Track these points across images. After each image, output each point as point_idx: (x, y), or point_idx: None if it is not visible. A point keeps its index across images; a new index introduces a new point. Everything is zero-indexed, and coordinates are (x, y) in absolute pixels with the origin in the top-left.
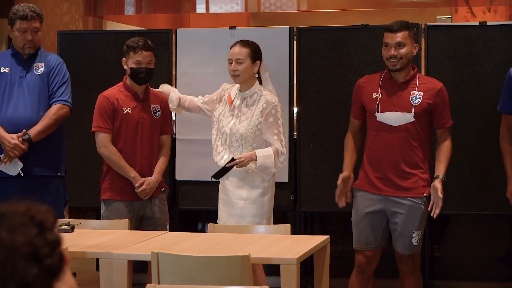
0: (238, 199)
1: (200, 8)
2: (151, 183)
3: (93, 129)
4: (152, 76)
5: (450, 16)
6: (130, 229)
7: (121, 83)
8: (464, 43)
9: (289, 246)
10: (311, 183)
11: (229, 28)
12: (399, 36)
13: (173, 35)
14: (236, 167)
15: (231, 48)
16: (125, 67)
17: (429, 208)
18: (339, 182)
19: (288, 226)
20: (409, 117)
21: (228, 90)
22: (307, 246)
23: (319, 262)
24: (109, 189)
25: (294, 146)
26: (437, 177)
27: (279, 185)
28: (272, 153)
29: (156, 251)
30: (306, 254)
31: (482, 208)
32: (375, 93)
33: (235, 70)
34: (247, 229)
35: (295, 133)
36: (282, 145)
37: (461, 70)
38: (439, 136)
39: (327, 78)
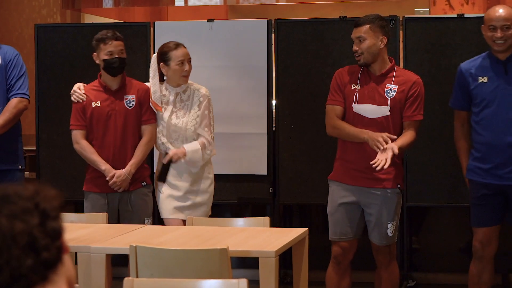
0: (188, 191)
1: (179, 1)
2: (122, 176)
3: (70, 127)
4: (125, 65)
5: (428, 9)
6: (109, 222)
7: (97, 80)
8: (442, 35)
9: (268, 239)
10: (290, 176)
11: (207, 21)
12: (359, 31)
13: (151, 28)
14: (172, 162)
15: (178, 49)
16: (97, 61)
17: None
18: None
19: (266, 219)
20: (384, 110)
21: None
22: (286, 239)
23: (298, 254)
24: (87, 181)
25: (273, 139)
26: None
27: (258, 178)
28: (199, 147)
29: (134, 245)
30: (285, 247)
31: (460, 200)
32: (354, 85)
33: (188, 71)
34: (226, 222)
35: (274, 126)
36: (211, 136)
37: (439, 62)
38: (404, 129)
39: (305, 70)
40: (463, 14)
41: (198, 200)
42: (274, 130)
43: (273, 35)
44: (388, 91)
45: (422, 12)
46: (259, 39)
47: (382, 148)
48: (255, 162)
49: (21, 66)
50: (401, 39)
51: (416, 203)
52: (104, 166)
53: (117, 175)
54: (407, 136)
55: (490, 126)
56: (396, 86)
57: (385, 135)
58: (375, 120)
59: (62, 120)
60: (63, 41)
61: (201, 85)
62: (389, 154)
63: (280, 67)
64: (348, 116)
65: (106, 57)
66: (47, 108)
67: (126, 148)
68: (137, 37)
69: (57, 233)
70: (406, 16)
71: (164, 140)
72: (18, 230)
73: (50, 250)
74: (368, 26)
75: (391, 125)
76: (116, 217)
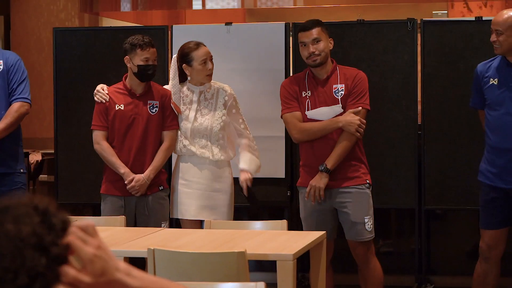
0: (210, 190)
1: (197, 4)
2: (140, 180)
3: (91, 127)
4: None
5: (446, 11)
6: (127, 225)
7: (121, 82)
8: (460, 38)
9: (286, 242)
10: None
11: (225, 24)
12: (314, 33)
13: (169, 32)
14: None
15: (199, 48)
16: (128, 65)
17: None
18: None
19: (284, 222)
20: (337, 109)
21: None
22: (303, 242)
23: (315, 257)
24: (105, 184)
25: (290, 142)
26: (323, 168)
27: (275, 181)
28: (250, 155)
29: (152, 248)
30: (303, 250)
31: (478, 203)
32: (304, 92)
33: (211, 69)
34: (243, 225)
35: None
36: (249, 132)
37: (457, 65)
38: None
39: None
40: (481, 17)
41: (219, 200)
42: None
43: (290, 38)
44: (336, 91)
45: (440, 15)
46: (277, 42)
47: (361, 130)
48: (273, 165)
49: (22, 71)
50: (419, 42)
51: (433, 206)
52: (123, 169)
53: (136, 179)
54: (339, 145)
55: (497, 129)
56: (343, 85)
57: (356, 118)
58: None
59: (80, 123)
60: (81, 44)
61: (226, 84)
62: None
63: (298, 70)
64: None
65: (141, 63)
66: (65, 111)
67: (145, 153)
68: (154, 40)
69: (60, 228)
70: (424, 19)
71: (186, 142)
72: (26, 232)
73: (58, 245)
74: (320, 28)
75: None
76: (133, 221)
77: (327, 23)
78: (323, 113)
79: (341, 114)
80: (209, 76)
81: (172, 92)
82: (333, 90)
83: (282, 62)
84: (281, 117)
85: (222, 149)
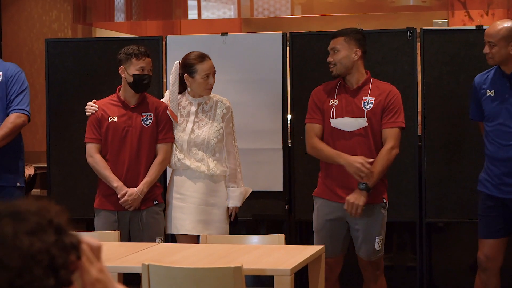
0: (205, 205)
1: (192, 14)
2: (133, 194)
3: (84, 140)
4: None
5: (446, 20)
6: (121, 240)
7: (115, 94)
8: (461, 47)
9: (283, 256)
10: (306, 192)
11: (221, 35)
12: (333, 42)
13: (164, 42)
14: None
15: (204, 62)
16: (123, 75)
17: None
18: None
19: (282, 236)
20: (361, 122)
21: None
22: (301, 257)
23: (314, 272)
24: (98, 198)
25: (288, 154)
26: (363, 187)
27: (273, 194)
28: (239, 192)
29: (146, 263)
30: (301, 265)
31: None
32: (332, 100)
33: (212, 84)
34: (240, 239)
35: (289, 141)
36: (237, 152)
37: (458, 75)
38: (384, 137)
39: (320, 84)
40: (483, 26)
41: (214, 215)
42: (289, 145)
43: (287, 48)
44: (365, 103)
45: (440, 23)
46: (274, 52)
47: (363, 175)
48: (270, 178)
49: (22, 82)
50: (418, 52)
51: (435, 219)
52: (116, 183)
53: (129, 193)
54: (383, 158)
55: (494, 140)
56: (373, 98)
57: (362, 159)
58: (354, 133)
59: (73, 137)
60: (74, 56)
61: (222, 96)
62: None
63: (295, 81)
64: (327, 131)
65: (137, 73)
66: (58, 124)
67: (139, 166)
68: (149, 51)
69: (71, 249)
70: (424, 28)
71: (180, 156)
72: (37, 248)
73: (67, 268)
74: (343, 38)
75: (370, 136)
76: (126, 236)
77: (325, 32)
78: (347, 124)
79: (365, 128)
80: (209, 90)
81: (170, 99)
82: (362, 102)
83: (279, 73)
84: (305, 122)
85: (218, 163)
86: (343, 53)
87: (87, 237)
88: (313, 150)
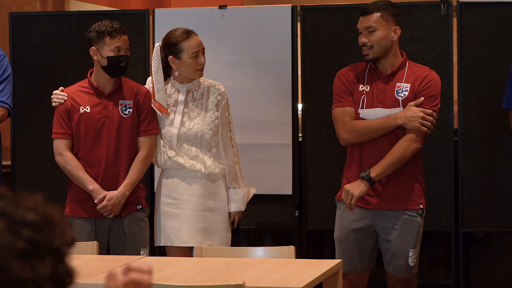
0: (204, 210)
1: None
2: (114, 199)
3: (51, 135)
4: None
5: None
6: (100, 253)
7: (85, 79)
8: (505, 24)
9: (293, 272)
10: (319, 196)
11: (219, 8)
12: (368, 20)
13: (151, 17)
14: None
15: (190, 38)
16: (95, 57)
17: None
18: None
19: (291, 248)
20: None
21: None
22: (314, 273)
23: None
24: (70, 204)
25: (299, 151)
26: (364, 175)
27: (281, 199)
28: (242, 193)
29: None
30: (314, 283)
31: None
32: (362, 86)
33: (203, 64)
34: (242, 252)
35: (300, 135)
36: (235, 146)
37: (501, 57)
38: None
39: (337, 67)
40: None
41: (214, 222)
42: (300, 140)
43: (298, 24)
44: (399, 91)
45: None
46: (282, 29)
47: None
48: (278, 179)
49: (4, 69)
50: (455, 29)
51: (473, 229)
52: (92, 185)
53: (108, 197)
54: (398, 150)
55: None
56: (408, 85)
57: (418, 110)
58: None
59: (42, 129)
60: (43, 33)
61: (215, 80)
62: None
63: (307, 64)
64: None
65: (112, 54)
66: (25, 114)
67: (119, 165)
68: (133, 27)
69: (66, 282)
70: (460, 0)
71: (171, 153)
72: (26, 277)
73: None
74: (379, 14)
75: (403, 129)
76: (105, 248)
77: (342, 5)
78: (379, 115)
79: None
80: (200, 71)
81: (155, 89)
82: (396, 89)
83: (288, 54)
84: (331, 111)
85: (215, 159)
86: (382, 33)
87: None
88: (354, 133)
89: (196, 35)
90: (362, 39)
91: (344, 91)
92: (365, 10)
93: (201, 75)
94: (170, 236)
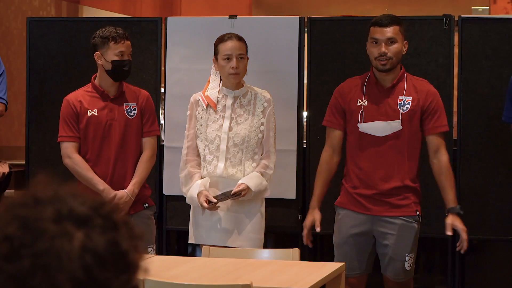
0: (237, 212)
1: None
2: (124, 197)
3: (58, 139)
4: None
5: (487, 7)
6: None
7: (89, 84)
8: (504, 38)
9: (298, 274)
10: (323, 201)
11: (229, 18)
12: (390, 31)
13: (163, 25)
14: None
15: (226, 41)
16: (99, 62)
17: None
18: (306, 227)
19: (296, 251)
20: (395, 125)
21: (198, 99)
22: (319, 275)
23: None
24: None
25: (303, 157)
26: (451, 210)
27: (285, 203)
28: (262, 179)
29: (141, 278)
30: (318, 284)
31: None
32: (360, 100)
33: (237, 68)
34: (248, 253)
35: (305, 141)
36: (274, 153)
37: (501, 70)
38: (432, 146)
39: (343, 77)
40: None
41: (246, 224)
42: (304, 146)
43: (305, 35)
44: (401, 104)
45: (480, 11)
46: (289, 39)
47: None
48: (282, 184)
49: None
50: (456, 43)
51: (470, 236)
52: (102, 185)
53: (119, 196)
54: (447, 176)
55: None
56: (410, 98)
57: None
58: (387, 138)
59: (56, 130)
60: (59, 38)
61: (262, 89)
62: (462, 234)
63: (313, 73)
64: (355, 136)
65: (116, 58)
66: (39, 116)
67: (126, 164)
68: (145, 34)
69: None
70: (462, 15)
71: (212, 160)
72: None
73: None
74: (398, 27)
75: (405, 142)
76: None
77: (348, 18)
78: (379, 128)
79: (399, 131)
80: (233, 75)
81: (209, 86)
82: (398, 103)
83: (295, 63)
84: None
85: (256, 166)
86: (399, 45)
87: None
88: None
89: (239, 40)
90: (382, 49)
91: (334, 110)
92: (385, 22)
93: (236, 80)
94: (202, 234)
